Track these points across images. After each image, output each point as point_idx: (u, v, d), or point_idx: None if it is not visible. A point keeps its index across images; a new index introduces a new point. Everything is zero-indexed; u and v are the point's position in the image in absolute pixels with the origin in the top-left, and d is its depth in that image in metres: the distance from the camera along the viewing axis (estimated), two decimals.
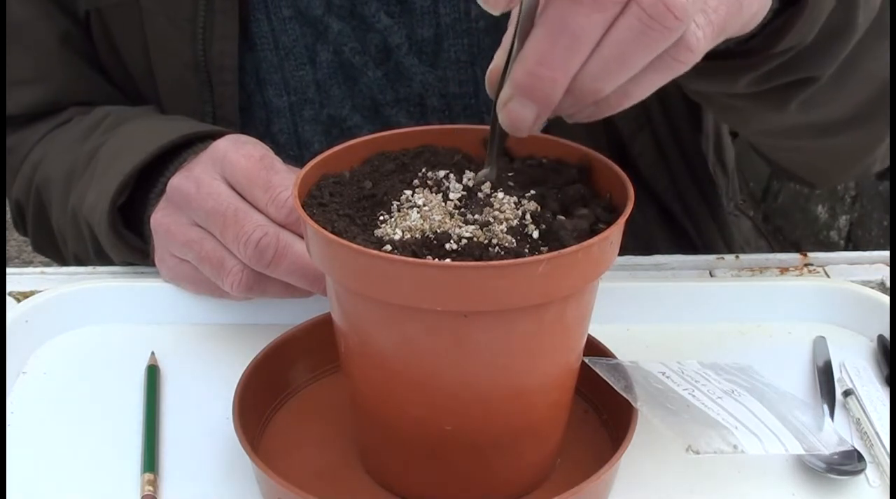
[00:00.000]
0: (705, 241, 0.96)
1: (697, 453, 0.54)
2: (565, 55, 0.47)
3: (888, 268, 0.82)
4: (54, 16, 0.88)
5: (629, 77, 0.49)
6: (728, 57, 0.60)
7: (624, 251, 0.55)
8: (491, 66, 0.52)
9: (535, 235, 0.53)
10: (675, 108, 0.89)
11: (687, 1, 0.46)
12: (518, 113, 0.49)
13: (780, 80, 0.65)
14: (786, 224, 2.53)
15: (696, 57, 0.48)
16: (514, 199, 0.55)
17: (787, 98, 0.68)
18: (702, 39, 0.48)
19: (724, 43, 0.55)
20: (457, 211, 0.55)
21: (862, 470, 0.61)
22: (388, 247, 0.51)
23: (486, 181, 0.55)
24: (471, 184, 0.57)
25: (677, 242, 0.94)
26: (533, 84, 0.48)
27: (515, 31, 0.49)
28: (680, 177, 0.93)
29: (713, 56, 0.59)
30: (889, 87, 0.72)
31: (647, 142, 0.89)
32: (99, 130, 0.84)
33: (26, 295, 0.77)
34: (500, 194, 0.55)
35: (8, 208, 0.98)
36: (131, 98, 0.91)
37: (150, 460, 0.62)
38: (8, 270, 0.81)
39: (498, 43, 0.53)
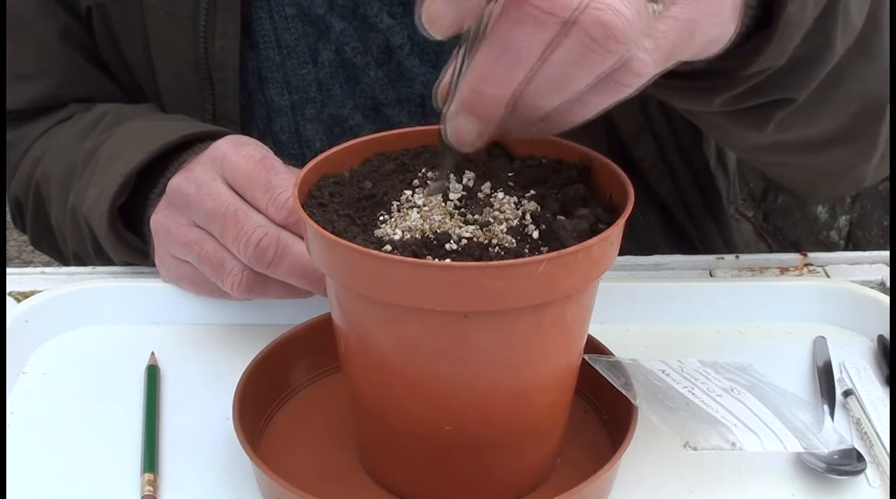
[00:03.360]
0: (707, 244, 0.96)
1: (695, 449, 0.54)
2: (507, 72, 0.48)
3: (888, 268, 0.82)
4: (55, 11, 0.88)
5: (571, 96, 0.49)
6: (700, 77, 0.59)
7: (625, 253, 0.55)
8: (441, 83, 0.52)
9: (535, 235, 0.53)
10: (676, 111, 0.89)
11: (629, 26, 0.46)
12: (461, 128, 0.50)
13: (755, 100, 0.64)
14: (786, 224, 2.53)
15: (642, 80, 0.48)
16: (514, 199, 0.55)
17: (764, 118, 0.67)
18: (648, 64, 0.48)
19: (694, 64, 0.55)
20: (457, 211, 0.55)
21: (862, 470, 0.61)
22: (389, 247, 0.51)
23: (437, 193, 0.55)
24: (471, 184, 0.57)
25: (679, 245, 0.94)
26: (476, 100, 0.49)
27: (465, 50, 0.49)
28: (682, 180, 0.93)
29: (686, 76, 0.59)
30: (874, 106, 0.71)
31: (650, 144, 0.89)
32: (99, 128, 0.84)
33: (26, 295, 0.77)
34: (500, 194, 0.55)
35: (7, 204, 0.98)
36: (132, 95, 0.91)
37: (150, 460, 0.62)
38: (8, 270, 0.81)
39: None
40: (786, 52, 0.59)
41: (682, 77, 0.59)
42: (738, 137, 0.76)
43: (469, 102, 0.49)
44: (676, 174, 0.93)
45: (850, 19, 0.63)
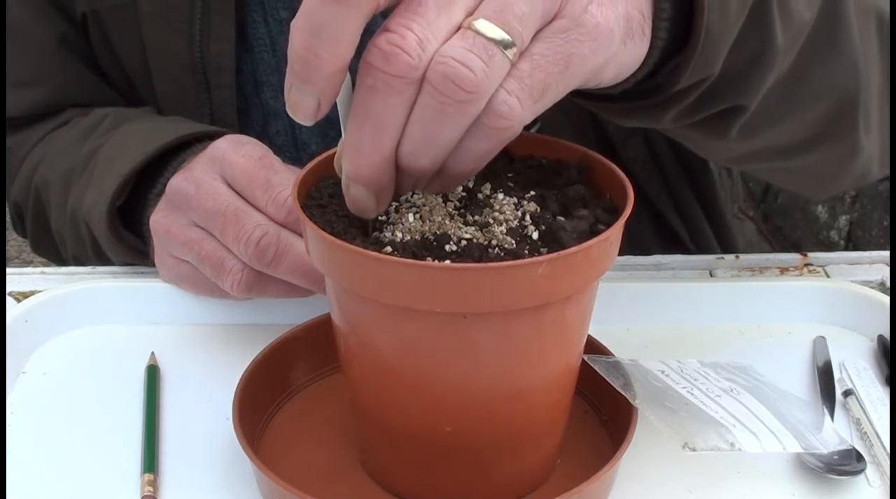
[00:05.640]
0: (700, 245, 0.96)
1: (694, 450, 0.54)
2: (373, 140, 0.48)
3: (888, 268, 0.82)
4: (52, 17, 0.88)
5: (447, 151, 0.49)
6: (637, 97, 0.59)
7: (619, 254, 0.55)
8: (336, 156, 0.53)
9: (535, 236, 0.53)
10: None
11: (478, 74, 0.46)
12: (356, 198, 0.51)
13: (705, 112, 0.63)
14: (786, 224, 2.53)
15: (514, 122, 0.48)
16: (514, 200, 0.55)
17: (723, 127, 0.65)
18: (515, 106, 0.47)
19: (623, 85, 0.55)
20: (456, 212, 0.55)
21: (862, 470, 0.61)
22: (388, 248, 0.51)
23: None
24: (471, 185, 0.57)
25: (670, 246, 0.94)
26: (356, 171, 0.50)
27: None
28: (675, 181, 0.93)
29: (622, 98, 0.58)
30: (845, 104, 0.69)
31: (639, 146, 0.89)
32: (97, 132, 0.84)
33: (26, 295, 0.77)
34: (500, 195, 0.55)
35: (7, 209, 0.98)
36: (129, 100, 0.91)
37: (150, 460, 0.62)
38: (8, 270, 0.81)
39: None
40: (716, 61, 0.58)
41: (618, 99, 0.59)
42: (707, 148, 0.75)
43: (352, 174, 0.50)
44: (668, 175, 0.92)
45: (791, 16, 0.61)
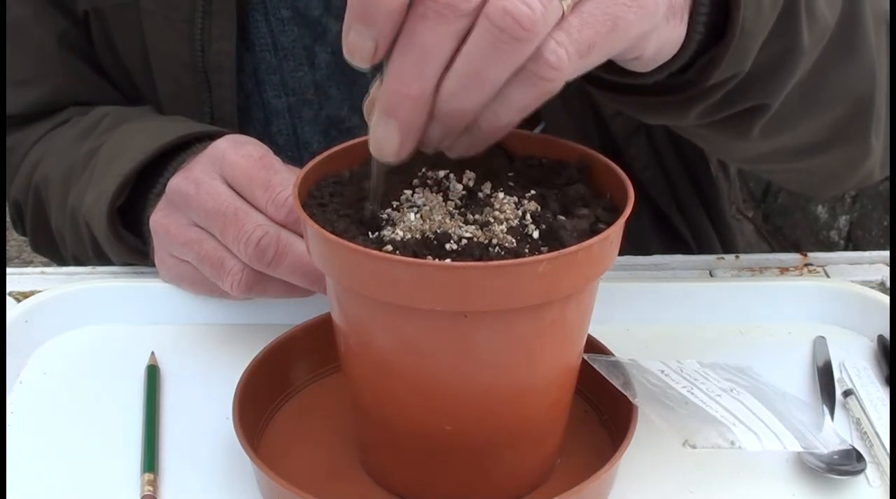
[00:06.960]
0: (701, 245, 0.96)
1: (694, 447, 0.54)
2: (416, 69, 0.48)
3: (888, 268, 0.82)
4: (53, 16, 0.88)
5: (490, 94, 0.49)
6: (668, 92, 0.60)
7: (620, 254, 0.55)
8: (367, 99, 0.53)
9: (536, 235, 0.53)
10: None
11: (536, 14, 0.46)
12: (381, 134, 0.50)
13: (730, 109, 0.64)
14: (786, 224, 2.53)
15: (561, 74, 0.48)
16: (515, 199, 0.55)
17: (745, 126, 0.66)
18: (563, 57, 0.48)
19: (657, 76, 0.56)
20: (457, 211, 0.55)
21: (862, 470, 0.61)
22: (389, 247, 0.51)
23: (369, 217, 0.54)
24: (471, 184, 0.57)
25: (673, 246, 0.94)
26: (391, 102, 0.49)
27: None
28: (677, 181, 0.93)
29: (653, 92, 0.59)
30: (860, 106, 0.70)
31: (642, 145, 0.89)
32: (98, 131, 0.84)
33: (26, 295, 0.77)
34: (501, 194, 0.56)
35: (7, 208, 0.98)
36: (130, 98, 0.91)
37: (150, 460, 0.62)
38: (8, 270, 0.81)
39: None
40: (748, 58, 0.59)
41: (649, 93, 0.59)
42: (727, 148, 0.76)
43: (386, 105, 0.49)
44: (671, 175, 0.92)
45: (816, 18, 0.62)
